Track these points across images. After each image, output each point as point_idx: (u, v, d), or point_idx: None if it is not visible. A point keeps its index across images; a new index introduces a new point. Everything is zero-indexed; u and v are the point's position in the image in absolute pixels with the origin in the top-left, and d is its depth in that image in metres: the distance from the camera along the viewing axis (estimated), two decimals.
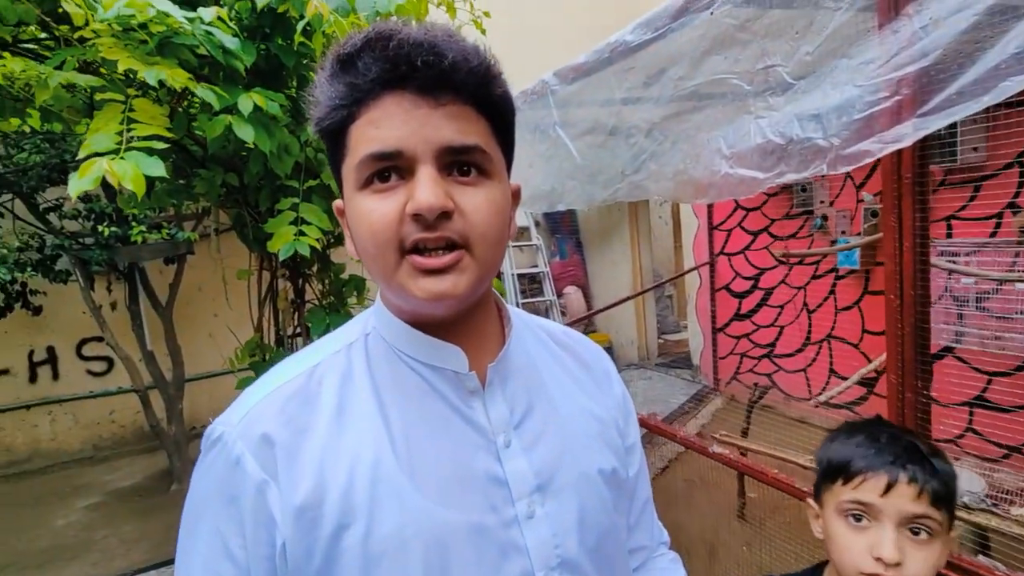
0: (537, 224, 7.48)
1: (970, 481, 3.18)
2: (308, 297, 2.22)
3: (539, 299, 7.30)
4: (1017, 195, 3.31)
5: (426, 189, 0.54)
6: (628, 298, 5.17)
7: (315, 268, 2.09)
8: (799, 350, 4.79)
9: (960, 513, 2.54)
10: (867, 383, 4.30)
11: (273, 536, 0.56)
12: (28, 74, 1.17)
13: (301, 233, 1.57)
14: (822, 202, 4.28)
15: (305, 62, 1.80)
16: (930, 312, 1.10)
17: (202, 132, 1.46)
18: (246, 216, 2.00)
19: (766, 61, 1.28)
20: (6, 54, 1.44)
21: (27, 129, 3.11)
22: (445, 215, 0.55)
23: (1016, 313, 3.29)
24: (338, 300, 2.08)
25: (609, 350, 7.29)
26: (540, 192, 2.20)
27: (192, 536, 0.61)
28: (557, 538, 0.64)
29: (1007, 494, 3.05)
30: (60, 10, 1.32)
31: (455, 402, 0.64)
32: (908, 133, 0.99)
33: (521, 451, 0.65)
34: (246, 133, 1.39)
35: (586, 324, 7.65)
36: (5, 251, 3.75)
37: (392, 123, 0.55)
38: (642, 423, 2.31)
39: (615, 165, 1.82)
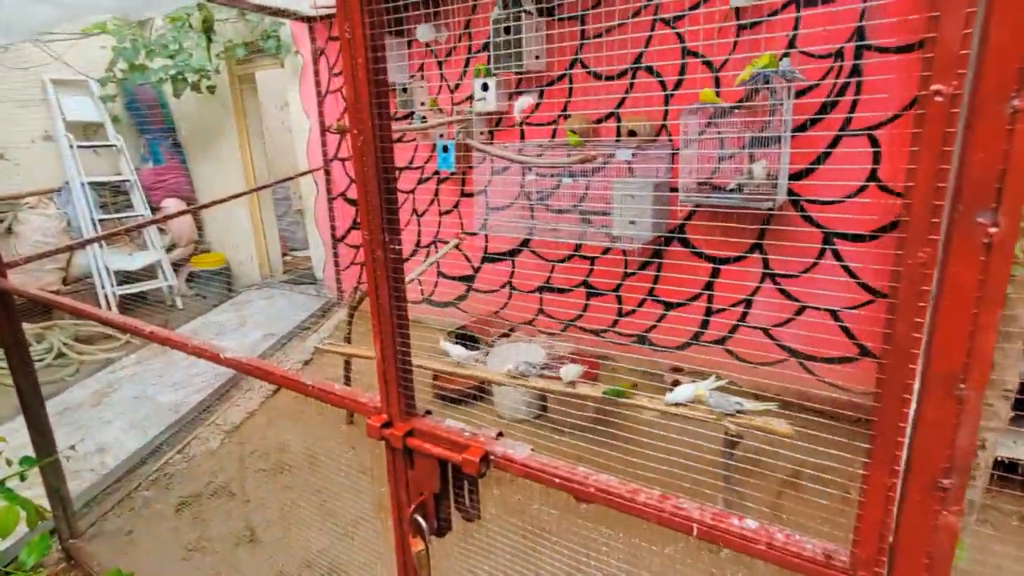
0: (115, 119, 5.94)
1: (535, 354, 3.71)
2: None
3: (128, 214, 5.92)
4: (568, 103, 3.80)
5: None
6: (220, 201, 4.46)
7: None
8: (411, 255, 4.92)
9: (519, 380, 2.87)
10: (468, 279, 4.66)
11: None
12: None
13: None
14: (423, 104, 4.29)
15: None
16: (394, 177, 0.92)
17: None
18: None
19: None
20: None
21: None
22: None
23: (569, 207, 3.87)
24: None
25: (226, 271, 6.46)
26: None
27: None
28: None
29: (558, 360, 3.65)
30: None
31: None
32: None
33: None
34: None
35: (196, 243, 6.59)
36: None
37: None
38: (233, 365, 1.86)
39: None
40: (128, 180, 5.93)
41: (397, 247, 0.94)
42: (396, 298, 0.96)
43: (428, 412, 1.06)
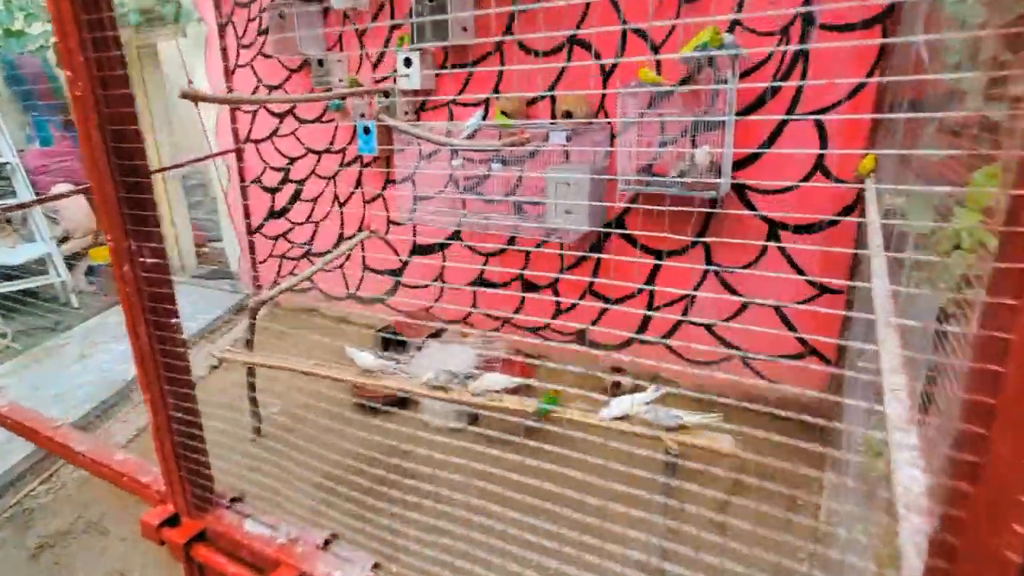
0: None
1: (465, 357, 3.38)
2: None
3: (9, 200, 5.21)
4: (499, 81, 3.46)
5: None
6: None
7: None
8: (335, 247, 4.49)
9: (437, 393, 2.53)
10: (396, 272, 4.29)
11: None
12: None
13: None
14: (340, 80, 3.86)
15: None
16: (140, 149, 0.57)
17: None
18: None
19: None
20: None
21: None
22: None
23: (500, 196, 3.54)
24: None
25: None
26: None
27: None
28: None
29: (490, 364, 3.34)
30: None
31: None
32: None
33: None
34: None
35: (95, 234, 5.92)
36: None
37: None
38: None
39: None
40: (8, 163, 5.23)
41: (150, 261, 0.59)
42: (160, 339, 0.61)
43: (236, 499, 0.72)
